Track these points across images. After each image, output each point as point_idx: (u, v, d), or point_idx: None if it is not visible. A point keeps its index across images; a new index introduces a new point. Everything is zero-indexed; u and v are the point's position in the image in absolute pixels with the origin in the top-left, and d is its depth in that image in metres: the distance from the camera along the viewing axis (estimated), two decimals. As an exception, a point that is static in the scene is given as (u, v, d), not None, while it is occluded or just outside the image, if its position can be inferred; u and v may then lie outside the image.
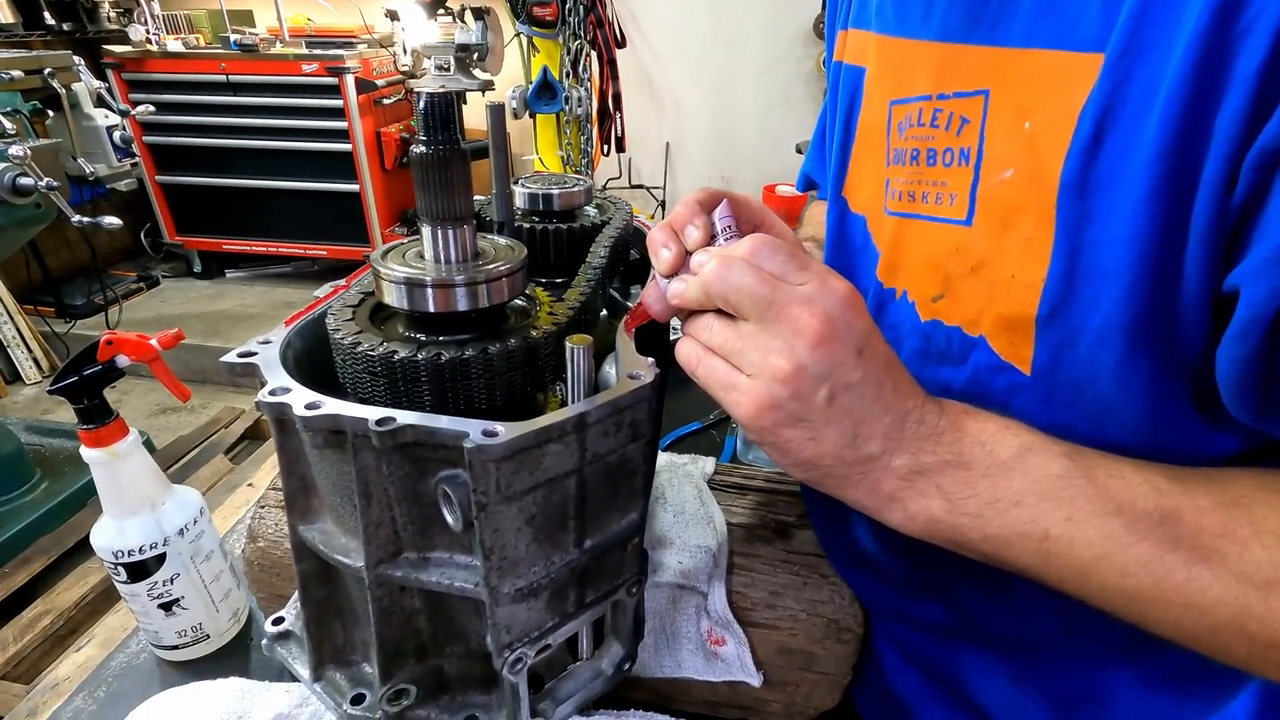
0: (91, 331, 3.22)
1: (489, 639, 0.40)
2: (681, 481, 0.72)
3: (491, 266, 0.42)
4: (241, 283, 3.82)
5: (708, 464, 0.76)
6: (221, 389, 2.93)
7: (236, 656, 0.74)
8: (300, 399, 0.36)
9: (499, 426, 0.34)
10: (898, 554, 0.56)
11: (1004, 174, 0.41)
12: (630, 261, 0.70)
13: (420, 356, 0.38)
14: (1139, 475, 0.38)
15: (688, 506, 0.68)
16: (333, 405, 0.36)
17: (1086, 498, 0.37)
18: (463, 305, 0.41)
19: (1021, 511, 0.38)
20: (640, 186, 3.92)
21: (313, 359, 0.46)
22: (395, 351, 0.39)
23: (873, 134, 0.54)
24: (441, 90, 0.38)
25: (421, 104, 0.39)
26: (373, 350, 0.39)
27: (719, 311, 0.40)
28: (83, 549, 1.95)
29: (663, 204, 3.90)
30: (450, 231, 0.41)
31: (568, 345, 0.38)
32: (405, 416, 0.35)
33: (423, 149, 0.39)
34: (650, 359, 0.41)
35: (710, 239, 0.45)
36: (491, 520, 0.35)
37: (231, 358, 0.40)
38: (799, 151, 3.35)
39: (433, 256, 0.42)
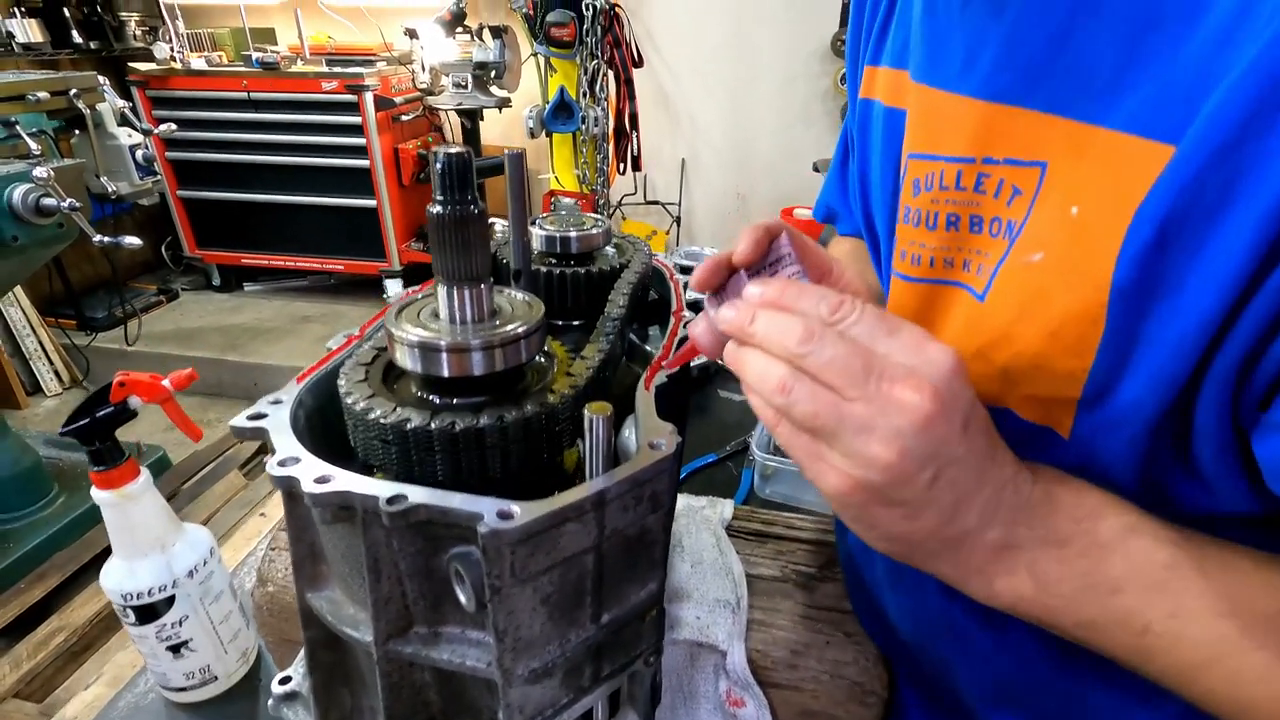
0: (111, 345, 3.26)
1: (501, 718, 0.39)
2: (699, 528, 0.70)
3: (509, 328, 0.40)
4: (259, 296, 3.85)
5: (726, 508, 0.74)
6: (236, 403, 2.94)
7: (244, 698, 0.73)
8: (309, 472, 0.35)
9: (515, 507, 0.33)
10: (926, 627, 0.54)
11: (1032, 256, 0.38)
12: (649, 303, 0.68)
13: (433, 426, 0.37)
14: (1257, 571, 0.35)
15: (706, 555, 0.66)
16: (342, 481, 0.34)
17: (1196, 593, 0.34)
18: (478, 370, 0.39)
19: (1120, 600, 0.35)
20: (655, 203, 3.91)
21: (324, 416, 0.44)
22: (408, 420, 0.37)
23: None
24: (459, 151, 0.37)
25: (439, 164, 0.37)
26: (384, 418, 0.38)
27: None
28: (98, 564, 1.96)
29: (678, 220, 3.89)
30: (466, 291, 0.40)
31: (586, 414, 0.37)
32: (417, 495, 0.34)
33: (440, 209, 0.38)
34: (671, 425, 0.39)
35: (760, 260, 0.43)
36: (505, 603, 0.34)
37: (241, 421, 0.39)
38: (816, 170, 3.32)
39: (448, 316, 0.41)
